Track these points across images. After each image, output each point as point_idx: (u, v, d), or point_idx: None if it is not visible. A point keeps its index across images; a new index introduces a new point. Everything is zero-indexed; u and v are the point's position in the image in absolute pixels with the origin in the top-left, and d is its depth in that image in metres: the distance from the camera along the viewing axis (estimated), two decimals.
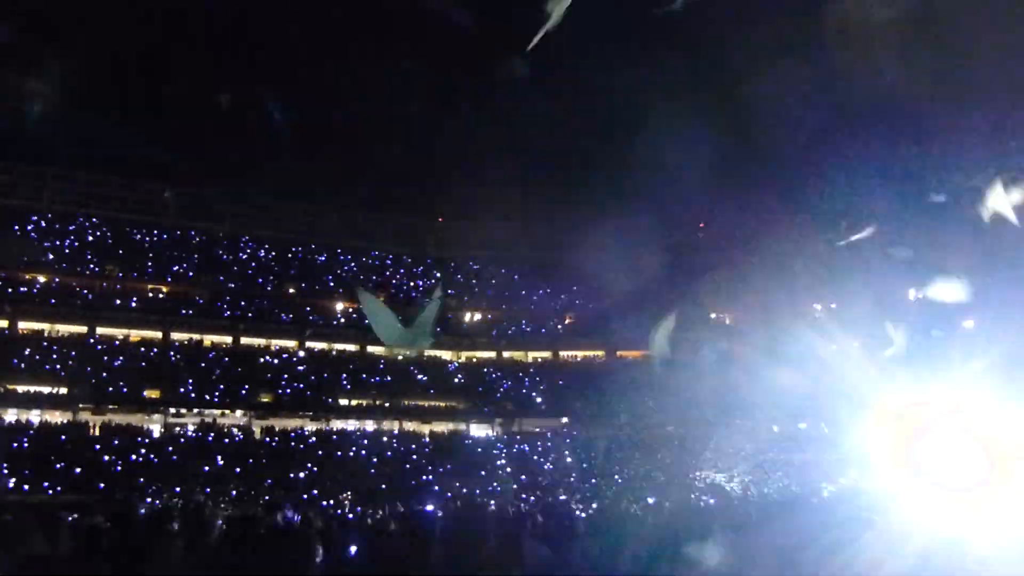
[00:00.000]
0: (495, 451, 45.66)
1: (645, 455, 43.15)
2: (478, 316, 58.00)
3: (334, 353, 52.55)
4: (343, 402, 48.33)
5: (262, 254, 56.66)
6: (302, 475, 38.05)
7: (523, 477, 41.42)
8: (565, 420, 50.25)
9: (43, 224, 50.59)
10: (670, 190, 53.45)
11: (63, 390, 41.99)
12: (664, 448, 44.24)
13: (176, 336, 48.71)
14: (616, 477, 40.37)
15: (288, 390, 47.16)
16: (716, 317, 54.78)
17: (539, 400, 51.46)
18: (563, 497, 35.63)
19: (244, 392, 45.75)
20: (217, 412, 44.80)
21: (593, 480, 40.54)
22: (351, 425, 47.82)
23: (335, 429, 46.53)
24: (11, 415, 40.64)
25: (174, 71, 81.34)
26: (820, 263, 47.88)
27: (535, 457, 45.26)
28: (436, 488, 37.42)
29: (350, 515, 22.92)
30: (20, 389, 41.46)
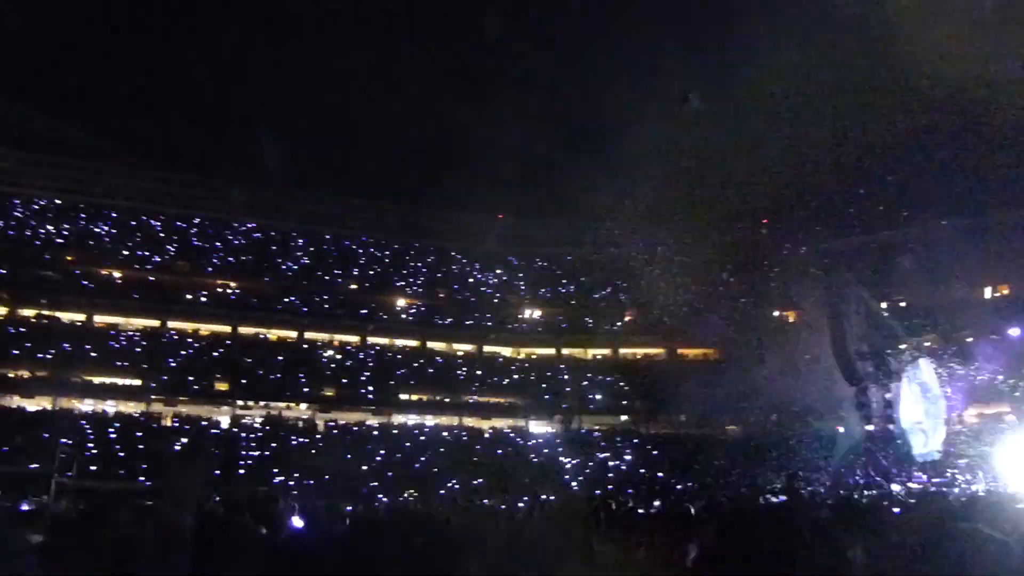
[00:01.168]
0: (555, 448, 45.63)
1: (707, 455, 42.55)
2: (538, 313, 57.97)
3: (395, 348, 53.21)
4: (404, 397, 48.90)
5: (326, 250, 57.69)
6: (364, 468, 38.59)
7: (583, 475, 41.23)
8: (625, 418, 49.91)
9: (117, 221, 52.49)
10: (733, 185, 52.52)
11: (136, 382, 43.51)
12: (727, 448, 43.50)
13: (243, 330, 49.97)
14: (679, 476, 39.82)
15: (350, 384, 47.96)
16: (781, 315, 53.71)
17: (599, 398, 51.18)
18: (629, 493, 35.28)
19: (308, 386, 46.69)
20: (282, 405, 45.90)
21: (655, 479, 40.09)
22: (412, 420, 48.42)
23: (396, 423, 47.19)
24: (88, 405, 42.36)
25: (249, 72, 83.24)
26: (897, 257, 46.61)
27: (595, 455, 45.01)
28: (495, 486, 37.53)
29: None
30: (96, 380, 43.11)
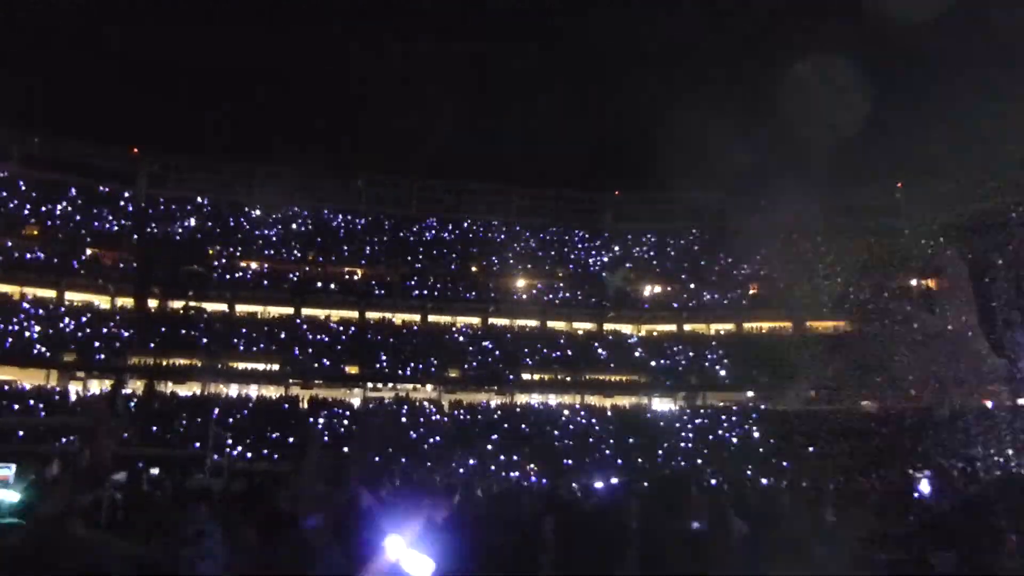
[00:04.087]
0: (678, 425, 45.17)
1: (838, 433, 40.89)
2: (658, 289, 57.17)
3: (516, 328, 53.87)
4: (526, 376, 49.52)
5: (446, 235, 58.93)
6: (488, 447, 39.45)
7: (706, 452, 40.64)
8: (751, 394, 48.66)
9: (255, 215, 55.63)
10: (860, 149, 49.94)
11: (275, 367, 46.11)
12: (863, 426, 41.71)
13: (371, 315, 51.92)
14: (810, 454, 38.55)
15: (474, 365, 49.02)
16: (917, 285, 50.83)
17: (723, 374, 50.10)
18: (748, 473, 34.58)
19: (433, 367, 48.06)
20: (409, 386, 47.51)
21: (778, 458, 38.98)
22: (535, 399, 49.01)
23: (519, 403, 47.92)
24: (233, 390, 45.33)
25: (375, 67, 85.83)
26: None
27: (719, 432, 44.21)
28: (619, 462, 37.59)
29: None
30: (240, 366, 46.01)
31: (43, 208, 49.79)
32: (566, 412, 46.73)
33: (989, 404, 41.05)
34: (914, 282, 50.39)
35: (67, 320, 45.11)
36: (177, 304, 48.54)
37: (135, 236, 50.15)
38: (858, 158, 49.78)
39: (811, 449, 39.26)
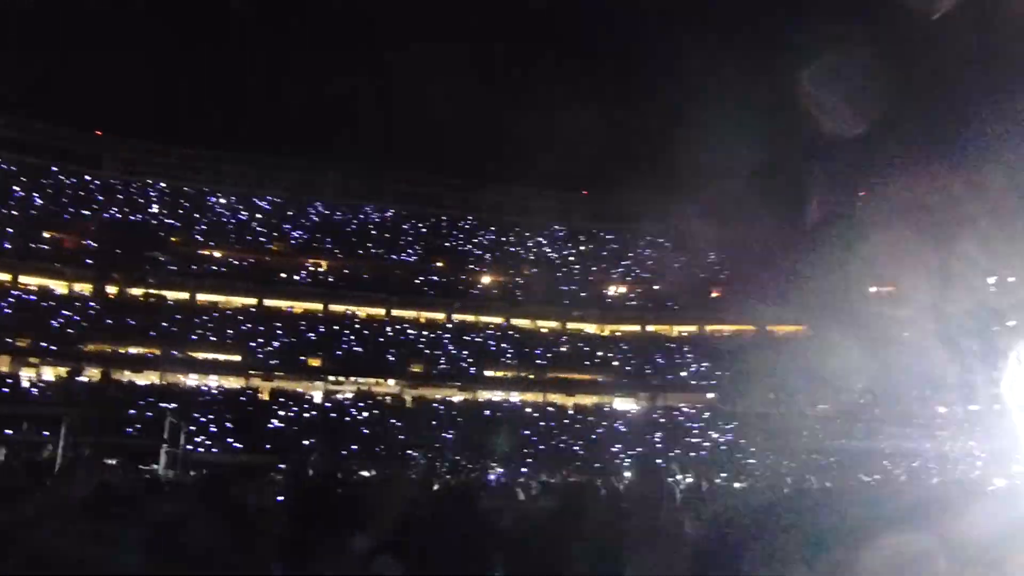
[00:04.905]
0: (640, 425, 45.56)
1: (796, 434, 41.58)
2: (623, 289, 57.57)
3: (481, 325, 53.89)
4: (489, 373, 49.56)
5: (413, 229, 58.67)
6: (449, 443, 39.44)
7: (672, 452, 41.05)
8: (712, 396, 49.25)
9: (220, 203, 54.83)
10: (825, 156, 50.83)
11: (236, 357, 45.58)
12: (816, 428, 42.47)
13: (335, 308, 51.55)
14: (766, 455, 39.17)
15: (437, 361, 48.93)
16: (877, 291, 51.79)
17: (685, 375, 50.64)
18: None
19: (396, 362, 47.88)
20: (372, 381, 47.29)
21: (741, 457, 39.58)
22: (497, 396, 49.08)
23: (481, 399, 47.97)
24: (192, 380, 44.66)
25: (345, 57, 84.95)
26: (994, 232, 44.25)
27: (680, 433, 44.71)
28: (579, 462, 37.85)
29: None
30: (199, 356, 45.36)
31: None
32: (529, 410, 46.90)
33: (942, 410, 42.12)
34: (873, 289, 51.33)
35: (22, 305, 44.10)
36: (137, 291, 47.72)
37: (96, 221, 49.17)
38: (820, 165, 50.47)
39: (768, 449, 39.88)
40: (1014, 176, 41.99)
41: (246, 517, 4.64)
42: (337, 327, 50.03)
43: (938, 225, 45.99)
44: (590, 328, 55.52)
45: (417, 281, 54.07)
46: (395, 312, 52.76)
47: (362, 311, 52.31)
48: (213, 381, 44.89)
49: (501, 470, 35.08)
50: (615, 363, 51.04)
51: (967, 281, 36.20)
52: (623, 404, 49.52)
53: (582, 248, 60.28)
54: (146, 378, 43.24)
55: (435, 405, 45.83)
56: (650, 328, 55.42)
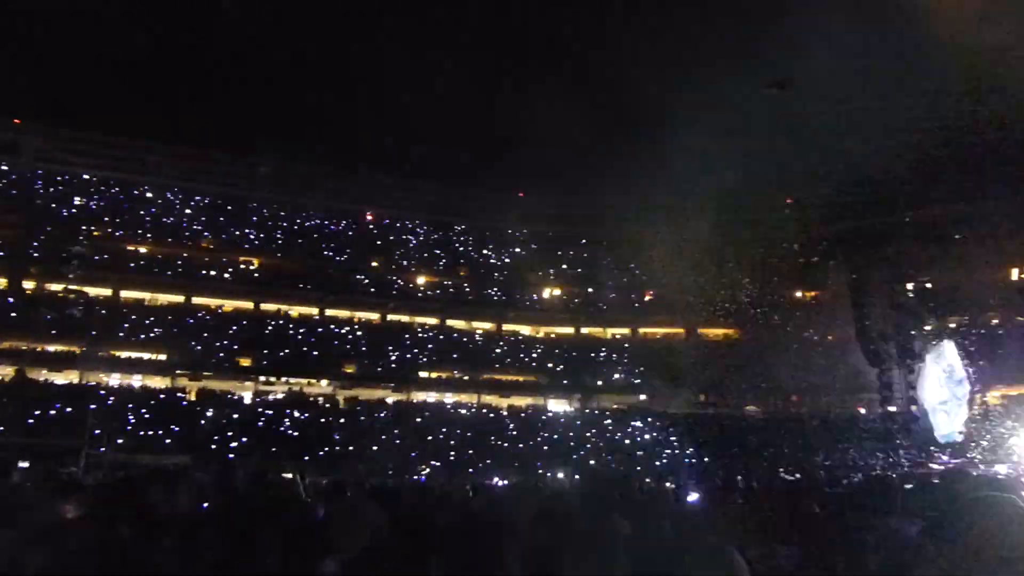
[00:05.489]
0: (573, 426, 45.93)
1: (726, 435, 42.61)
2: (557, 292, 58.01)
3: (416, 325, 53.56)
4: (423, 374, 49.30)
5: (348, 228, 57.94)
6: (382, 445, 39.07)
7: (602, 453, 41.50)
8: (643, 397, 50.01)
9: (145, 196, 53.01)
10: (755, 165, 52.10)
11: (162, 356, 44.21)
12: (745, 430, 43.59)
13: (266, 307, 50.52)
14: (696, 455, 39.97)
15: (371, 362, 48.41)
16: (802, 297, 53.38)
17: (617, 377, 51.31)
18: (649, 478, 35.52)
19: (329, 362, 47.18)
20: (304, 381, 46.45)
21: (668, 457, 40.29)
22: (431, 397, 48.84)
23: (416, 401, 47.66)
24: (115, 379, 43.09)
25: (278, 48, 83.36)
26: (915, 243, 46.06)
27: (613, 434, 45.23)
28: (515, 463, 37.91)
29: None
30: (123, 355, 43.84)
31: None
32: (463, 411, 46.81)
33: (862, 411, 43.69)
34: (798, 294, 52.89)
35: None
36: (56, 286, 45.83)
37: (12, 212, 47.00)
38: (749, 171, 51.73)
39: (697, 450, 40.71)
40: (935, 184, 43.81)
41: (154, 522, 4.47)
42: (268, 326, 49.06)
43: (860, 233, 47.68)
44: (525, 330, 55.77)
45: (351, 280, 53.40)
46: (328, 311, 52.02)
47: (294, 310, 51.43)
48: (137, 381, 43.45)
49: (434, 471, 34.96)
50: (549, 365, 51.38)
51: (886, 287, 37.57)
52: (557, 405, 49.88)
53: (517, 250, 60.47)
54: (65, 377, 41.59)
55: (371, 406, 45.30)
56: (584, 330, 56.02)
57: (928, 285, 46.85)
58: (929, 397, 34.23)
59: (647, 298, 56.76)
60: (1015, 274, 47.78)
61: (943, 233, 44.68)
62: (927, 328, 37.28)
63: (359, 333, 51.01)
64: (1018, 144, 39.31)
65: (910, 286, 43.38)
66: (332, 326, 51.03)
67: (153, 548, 4.32)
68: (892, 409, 38.78)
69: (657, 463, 38.73)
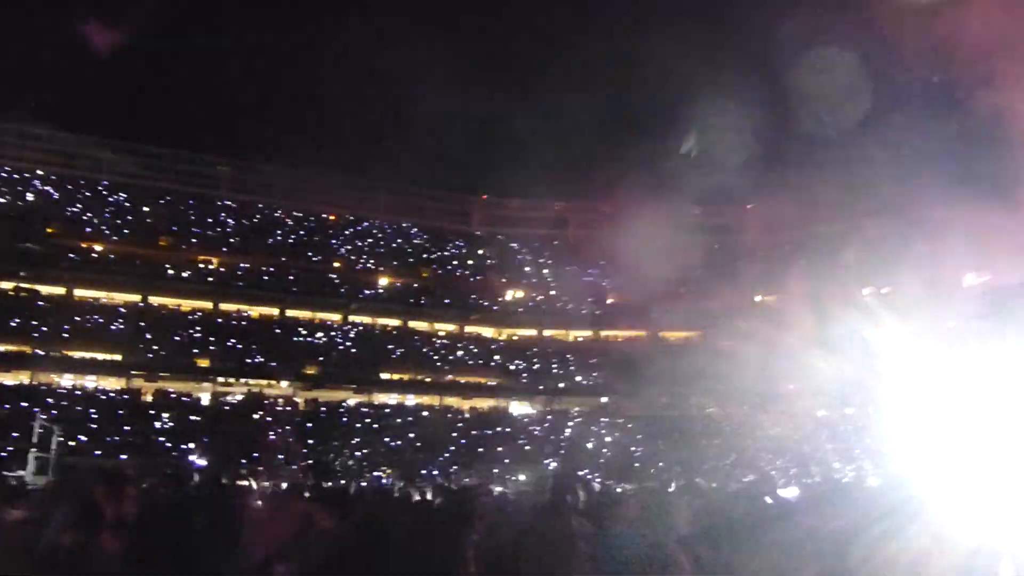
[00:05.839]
0: (535, 429, 45.99)
1: (686, 438, 42.98)
2: (520, 294, 58.04)
3: (378, 327, 53.16)
4: (385, 376, 48.92)
5: (310, 228, 57.34)
6: (343, 447, 38.74)
7: (565, 456, 41.57)
8: (605, 400, 50.23)
9: (102, 193, 51.85)
10: (716, 170, 52.74)
11: (117, 357, 43.22)
12: (705, 432, 44.05)
13: (225, 307, 49.71)
14: (656, 459, 40.25)
15: (332, 363, 47.89)
16: (761, 300, 54.09)
17: (580, 380, 51.45)
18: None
19: (290, 364, 46.56)
20: (264, 382, 45.77)
21: (633, 461, 40.51)
22: (392, 399, 48.47)
23: (377, 403, 47.26)
24: (67, 380, 42.02)
25: (236, 47, 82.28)
26: (870, 246, 47.00)
27: (575, 436, 45.38)
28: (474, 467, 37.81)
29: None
30: (76, 355, 42.73)
31: None
32: (425, 413, 46.56)
33: (821, 414, 44.35)
34: (759, 298, 53.55)
35: None
36: (6, 284, 44.60)
37: None
38: (715, 178, 52.40)
39: (657, 452, 41.02)
40: (891, 189, 44.72)
41: (101, 525, 4.33)
42: (228, 326, 48.29)
43: (820, 237, 48.54)
44: (487, 332, 55.67)
45: (313, 281, 52.76)
46: (289, 312, 51.35)
47: (255, 310, 50.70)
48: (91, 382, 42.43)
49: (395, 473, 34.71)
50: (512, 367, 51.34)
51: (846, 290, 38.23)
52: (520, 408, 49.86)
53: (481, 251, 60.41)
54: (15, 378, 40.48)
55: (331, 407, 44.83)
56: (547, 333, 56.09)
57: (885, 291, 47.87)
58: (884, 401, 34.89)
59: (609, 301, 57.05)
60: (969, 279, 48.89)
61: (901, 240, 45.61)
62: (884, 332, 37.96)
63: (320, 334, 50.46)
64: (974, 157, 40.29)
65: (868, 291, 44.29)
66: (293, 327, 50.40)
67: (99, 551, 4.20)
68: (849, 412, 39.53)
69: (617, 464, 38.86)
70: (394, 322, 53.78)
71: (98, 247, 48.85)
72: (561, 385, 50.92)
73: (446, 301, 55.20)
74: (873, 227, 50.42)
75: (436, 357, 50.81)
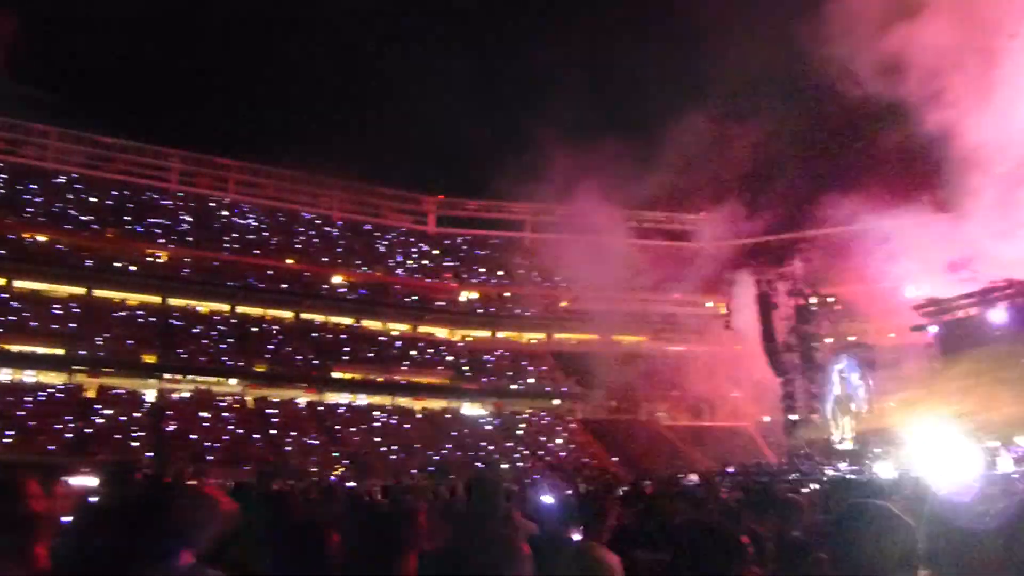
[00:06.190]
0: (487, 430, 46.05)
1: (636, 439, 43.51)
2: (474, 295, 58.03)
3: (330, 325, 52.61)
4: (336, 375, 48.38)
5: (263, 223, 56.56)
6: (293, 446, 38.28)
7: (516, 456, 41.72)
8: (558, 402, 50.48)
9: (46, 183, 50.41)
10: (672, 176, 53.51)
11: (59, 351, 41.95)
12: (654, 434, 44.62)
13: (174, 302, 48.69)
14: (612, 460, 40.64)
15: (283, 361, 47.24)
16: (712, 308, 54.98)
17: (532, 381, 51.61)
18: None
19: (239, 361, 45.82)
20: (212, 380, 44.87)
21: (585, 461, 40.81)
22: (344, 398, 47.98)
23: (328, 402, 46.72)
24: (4, 375, 40.56)
25: (196, 38, 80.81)
26: (818, 258, 48.08)
27: (525, 437, 45.54)
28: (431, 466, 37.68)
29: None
30: (14, 349, 41.34)
31: None
32: (376, 412, 46.21)
33: (767, 419, 45.18)
34: (709, 304, 54.38)
35: None
36: None
37: None
38: (666, 184, 53.24)
39: (609, 452, 41.43)
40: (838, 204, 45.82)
41: (31, 525, 4.23)
42: (176, 322, 47.31)
43: (767, 248, 49.51)
44: (441, 333, 55.52)
45: (265, 277, 51.98)
46: (240, 308, 50.51)
47: (204, 306, 49.75)
48: (30, 376, 41.12)
49: (346, 472, 34.43)
50: (464, 368, 51.24)
51: (790, 299, 38.97)
52: (471, 409, 49.79)
53: (435, 251, 60.27)
54: None
55: (282, 406, 44.22)
56: (500, 335, 56.17)
57: (830, 299, 48.95)
58: (829, 406, 35.70)
59: (563, 304, 57.39)
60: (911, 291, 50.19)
61: (844, 250, 46.75)
62: (828, 340, 38.88)
63: (271, 332, 49.76)
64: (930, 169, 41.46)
65: (813, 300, 45.21)
66: (243, 324, 49.59)
67: (31, 550, 4.11)
68: (794, 418, 40.28)
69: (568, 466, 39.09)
70: (347, 320, 53.30)
71: (41, 237, 47.48)
72: (512, 387, 50.97)
73: (400, 300, 54.93)
74: (820, 237, 51.66)
75: (389, 357, 50.46)
